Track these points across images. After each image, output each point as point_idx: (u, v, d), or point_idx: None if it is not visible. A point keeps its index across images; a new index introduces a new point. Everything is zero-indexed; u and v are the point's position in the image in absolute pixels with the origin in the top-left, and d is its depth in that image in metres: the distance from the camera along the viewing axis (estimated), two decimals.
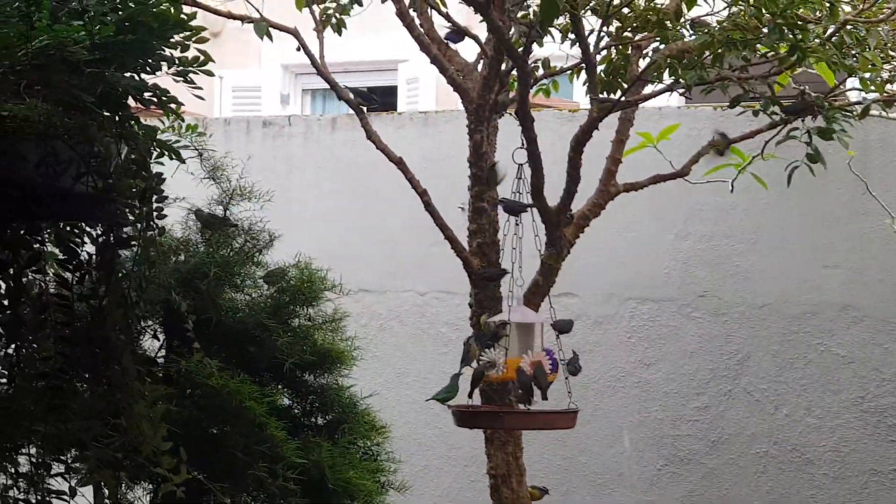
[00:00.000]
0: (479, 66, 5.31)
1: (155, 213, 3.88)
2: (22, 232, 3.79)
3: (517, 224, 4.76)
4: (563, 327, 4.71)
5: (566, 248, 5.22)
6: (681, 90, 5.03)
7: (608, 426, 6.84)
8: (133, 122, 3.85)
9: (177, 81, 3.87)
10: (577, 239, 5.28)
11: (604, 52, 5.47)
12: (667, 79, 5.17)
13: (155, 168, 3.89)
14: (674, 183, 5.58)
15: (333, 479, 4.44)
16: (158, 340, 4.72)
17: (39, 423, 3.80)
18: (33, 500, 3.91)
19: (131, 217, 3.82)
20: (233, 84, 10.80)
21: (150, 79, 3.80)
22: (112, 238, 3.78)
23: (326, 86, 5.41)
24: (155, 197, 3.86)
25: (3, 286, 3.79)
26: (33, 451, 3.96)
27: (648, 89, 5.33)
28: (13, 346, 3.83)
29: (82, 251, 3.86)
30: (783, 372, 6.62)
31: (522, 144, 4.84)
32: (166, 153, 3.91)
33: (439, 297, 7.12)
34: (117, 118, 3.80)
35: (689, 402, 6.75)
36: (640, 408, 6.82)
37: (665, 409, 6.78)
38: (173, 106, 3.91)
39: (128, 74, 3.74)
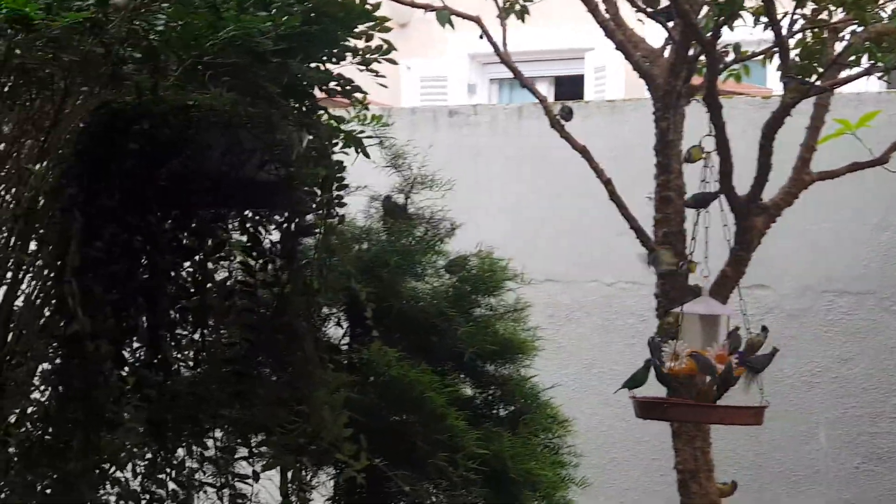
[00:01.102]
0: (666, 52, 5.18)
1: (335, 201, 3.90)
2: (208, 220, 3.84)
3: (705, 213, 4.62)
4: (756, 365, 4.54)
5: (756, 239, 5.07)
6: (879, 74, 4.82)
7: (803, 422, 6.62)
8: (318, 111, 3.87)
9: (361, 71, 3.88)
10: (768, 229, 5.11)
11: (798, 36, 5.27)
12: (865, 62, 4.95)
13: (339, 157, 3.92)
14: (873, 172, 5.33)
15: (514, 469, 4.39)
16: (342, 328, 4.74)
17: (225, 408, 3.85)
18: (218, 484, 3.98)
19: (313, 205, 3.85)
20: (420, 74, 10.83)
21: (336, 68, 3.82)
22: (294, 226, 3.81)
23: (513, 75, 5.36)
24: (335, 185, 3.88)
25: (190, 273, 3.85)
26: (219, 434, 4.02)
27: (845, 74, 5.12)
28: (199, 331, 3.88)
29: (266, 239, 3.90)
30: None
31: (710, 132, 4.70)
32: (350, 143, 3.93)
33: (626, 287, 7.00)
34: (302, 108, 3.83)
35: (888, 398, 6.49)
36: (837, 404, 6.58)
37: (863, 406, 6.53)
38: (358, 95, 3.93)
39: (313, 65, 3.77)
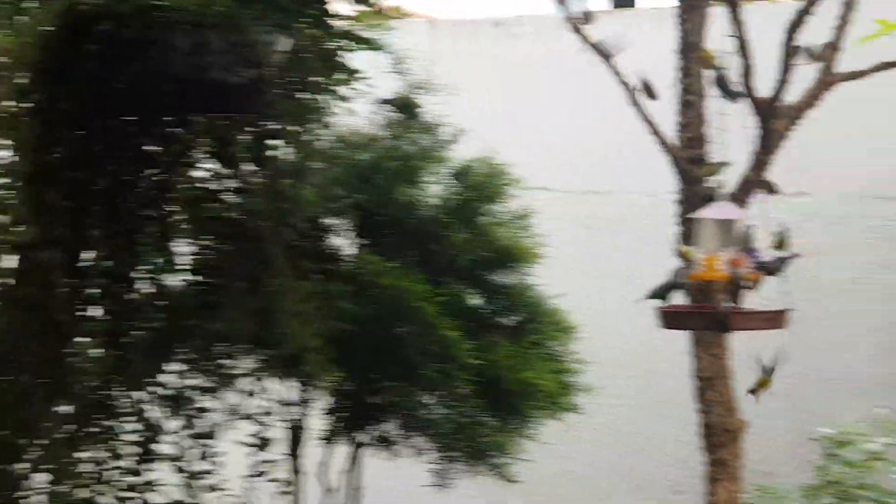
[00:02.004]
0: None
1: (322, 106, 3.79)
2: (172, 125, 3.70)
3: (727, 117, 4.45)
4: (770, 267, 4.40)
5: (777, 142, 4.87)
6: None
7: (841, 331, 6.45)
8: (326, 16, 3.75)
9: None
10: (789, 132, 4.90)
11: None
12: None
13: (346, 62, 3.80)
14: None
15: (509, 379, 4.28)
16: (346, 239, 4.63)
17: (194, 319, 3.74)
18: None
19: (290, 108, 3.73)
20: None
21: None
22: (264, 130, 3.70)
23: None
24: (327, 89, 3.76)
25: (154, 181, 3.71)
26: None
27: None
28: (164, 241, 3.74)
29: (236, 145, 3.78)
30: None
31: (732, 33, 4.53)
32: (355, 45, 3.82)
33: (667, 198, 6.82)
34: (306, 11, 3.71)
35: None
36: (883, 311, 6.40)
37: None
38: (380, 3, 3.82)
39: None
